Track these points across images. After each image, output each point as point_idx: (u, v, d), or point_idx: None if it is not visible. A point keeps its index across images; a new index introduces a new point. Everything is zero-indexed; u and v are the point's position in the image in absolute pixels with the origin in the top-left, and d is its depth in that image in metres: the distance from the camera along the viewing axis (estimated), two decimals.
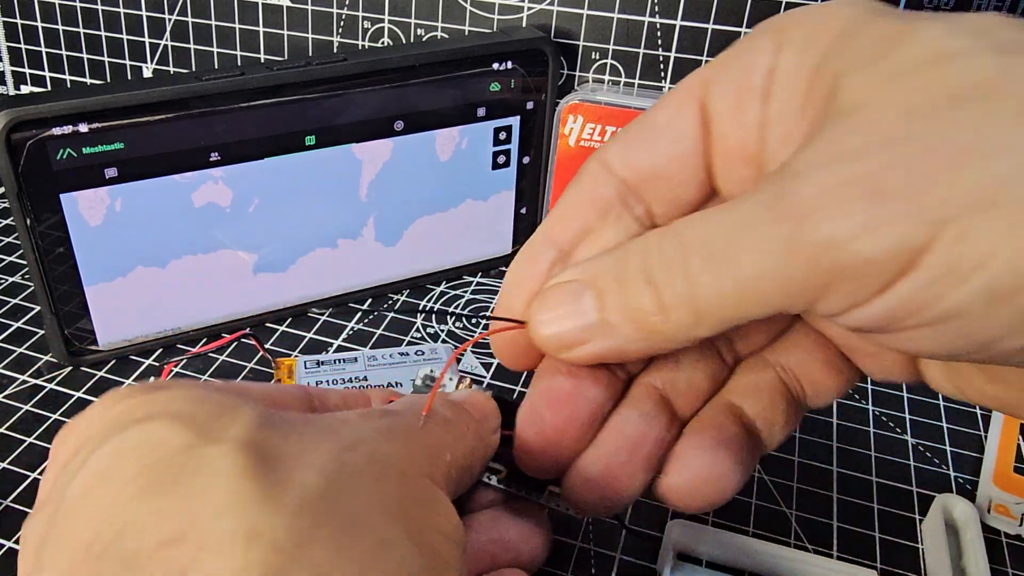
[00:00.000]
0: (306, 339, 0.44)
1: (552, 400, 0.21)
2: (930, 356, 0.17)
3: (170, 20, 0.56)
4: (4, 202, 0.54)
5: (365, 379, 0.39)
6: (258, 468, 0.15)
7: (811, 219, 0.15)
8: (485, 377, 0.42)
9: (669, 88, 0.49)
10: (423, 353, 0.41)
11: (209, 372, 0.41)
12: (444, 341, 0.44)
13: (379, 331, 0.45)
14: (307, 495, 0.15)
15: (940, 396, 0.42)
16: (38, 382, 0.41)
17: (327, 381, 0.39)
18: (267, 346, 0.43)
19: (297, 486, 0.15)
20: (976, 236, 0.14)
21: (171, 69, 0.57)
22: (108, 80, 0.59)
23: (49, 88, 0.61)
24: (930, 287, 0.14)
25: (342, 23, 0.52)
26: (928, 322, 0.15)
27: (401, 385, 0.39)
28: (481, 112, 0.45)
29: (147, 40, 0.57)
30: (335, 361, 0.40)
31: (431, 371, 0.30)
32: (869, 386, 0.42)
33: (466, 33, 0.51)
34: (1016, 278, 0.13)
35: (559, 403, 0.21)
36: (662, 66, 0.48)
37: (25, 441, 0.37)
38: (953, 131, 0.14)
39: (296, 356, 0.40)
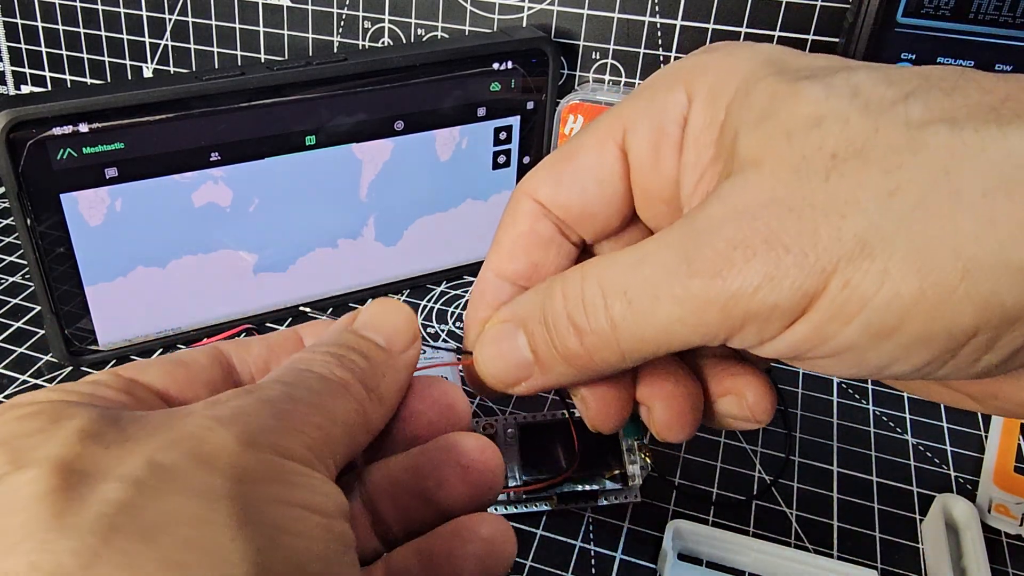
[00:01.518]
0: None
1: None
2: (836, 377, 0.18)
3: (170, 20, 0.56)
4: (4, 202, 0.54)
5: None
6: (59, 489, 0.14)
7: (722, 274, 0.17)
8: None
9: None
10: (423, 352, 0.41)
11: None
12: (444, 341, 0.44)
13: None
14: (104, 510, 0.14)
15: None
16: (38, 382, 0.41)
17: None
18: None
19: (96, 502, 0.14)
20: (857, 282, 0.16)
21: (171, 69, 0.57)
22: (108, 80, 0.59)
23: (49, 88, 0.61)
24: (824, 326, 0.16)
25: (342, 23, 0.52)
26: (827, 354, 0.17)
27: None
28: (481, 112, 0.45)
29: (147, 40, 0.57)
30: None
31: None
32: (869, 386, 0.42)
33: (466, 33, 0.51)
34: (891, 316, 0.16)
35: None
36: (662, 66, 0.48)
37: None
38: (833, 190, 0.16)
39: None
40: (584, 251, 0.25)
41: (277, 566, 0.15)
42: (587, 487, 0.33)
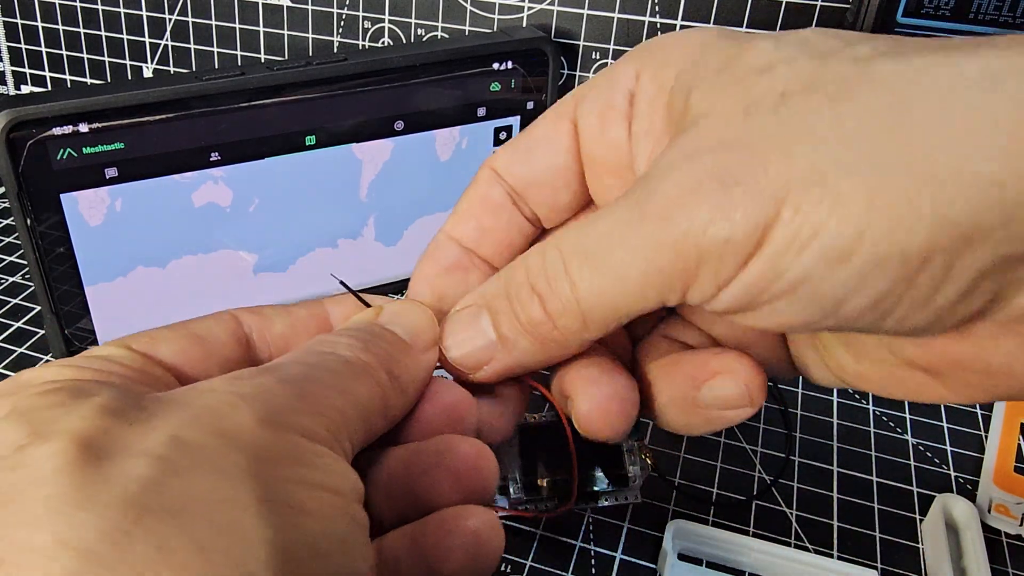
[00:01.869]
0: None
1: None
2: (791, 329, 0.19)
3: (170, 20, 0.56)
4: (4, 202, 0.54)
5: None
6: (83, 464, 0.14)
7: (673, 214, 0.17)
8: None
9: None
10: None
11: None
12: None
13: None
14: (130, 487, 0.14)
15: None
16: None
17: None
18: None
19: (121, 478, 0.14)
20: (809, 209, 0.15)
21: (171, 69, 0.57)
22: (108, 80, 0.59)
23: (49, 88, 0.61)
24: (779, 258, 0.16)
25: (342, 23, 0.52)
26: (782, 292, 0.17)
27: None
28: (481, 112, 0.45)
29: (147, 40, 0.57)
30: None
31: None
32: None
33: (466, 33, 0.51)
34: (845, 241, 0.15)
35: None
36: None
37: None
38: (783, 123, 0.16)
39: None
40: (541, 235, 0.25)
41: (295, 547, 0.15)
42: (588, 488, 0.33)
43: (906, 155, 0.15)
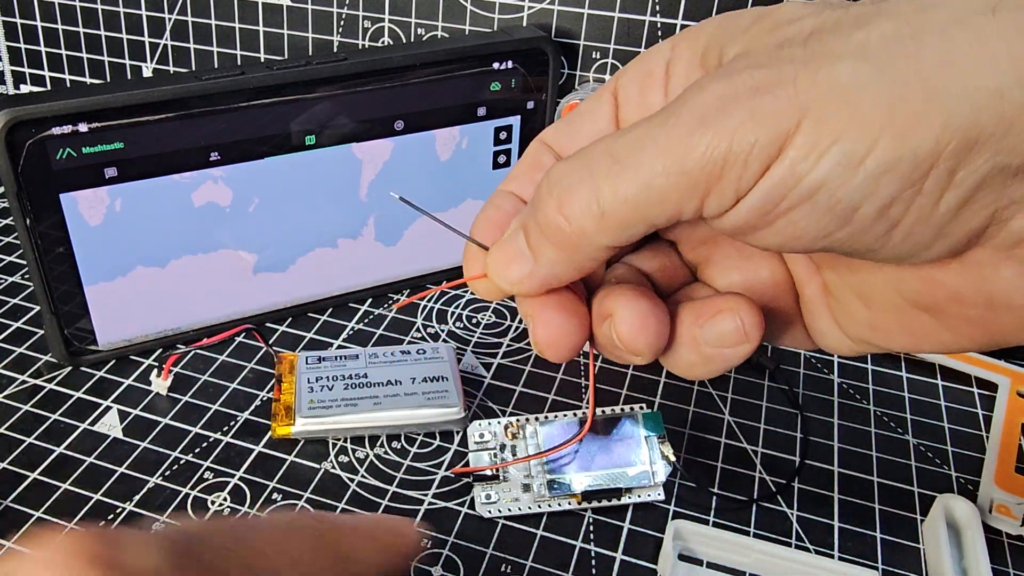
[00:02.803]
0: (306, 339, 0.44)
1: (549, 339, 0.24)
2: (804, 245, 0.19)
3: (170, 20, 0.56)
4: (4, 202, 0.54)
5: (365, 375, 0.39)
6: None
7: (705, 120, 0.18)
8: (485, 377, 0.42)
9: None
10: (424, 352, 0.40)
11: (209, 371, 0.41)
12: (445, 341, 0.44)
13: (379, 331, 0.45)
14: None
15: (941, 395, 0.42)
16: (38, 382, 0.41)
17: (328, 377, 0.39)
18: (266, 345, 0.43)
19: None
20: (831, 119, 0.17)
21: (171, 69, 0.57)
22: (108, 80, 0.59)
23: (49, 88, 0.61)
24: (799, 164, 0.17)
25: (342, 23, 0.52)
26: (799, 199, 0.18)
27: (401, 384, 0.39)
28: (481, 112, 0.45)
29: (147, 40, 0.57)
30: (336, 358, 0.40)
31: (480, 434, 0.34)
32: (870, 386, 0.42)
33: (466, 32, 0.50)
34: (861, 146, 0.17)
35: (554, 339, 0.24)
36: None
37: (25, 441, 0.37)
38: (810, 50, 0.18)
39: (298, 352, 0.40)
40: None
41: None
42: (612, 485, 0.33)
43: (917, 73, 0.17)
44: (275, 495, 0.35)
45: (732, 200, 0.18)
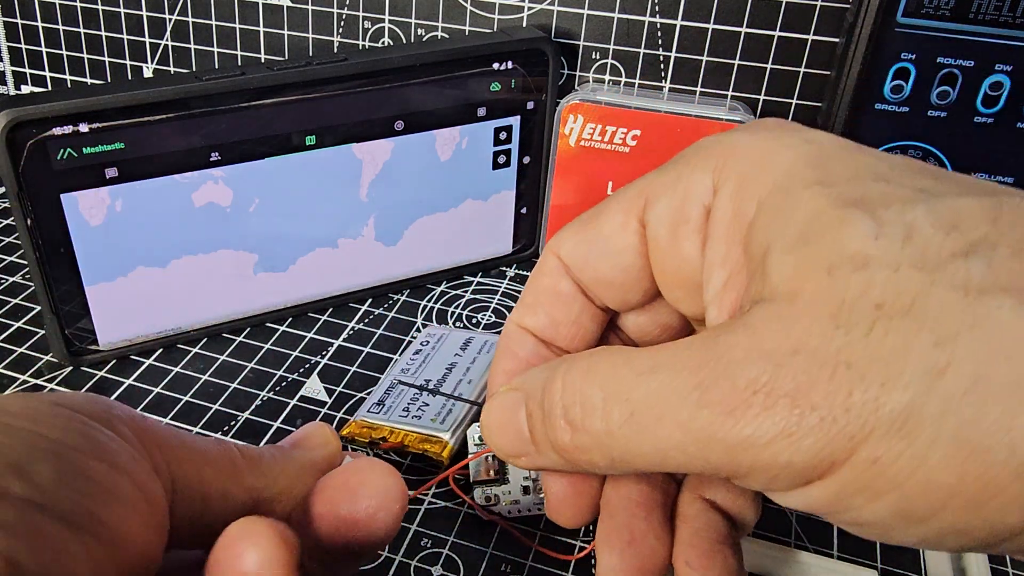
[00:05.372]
0: (306, 339, 0.44)
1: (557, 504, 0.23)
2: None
3: (170, 20, 0.56)
4: (4, 202, 0.54)
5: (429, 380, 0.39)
6: None
7: (735, 414, 0.16)
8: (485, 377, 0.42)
9: (668, 90, 0.49)
10: (432, 336, 0.41)
11: (210, 371, 0.41)
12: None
13: (379, 331, 0.45)
14: None
15: None
16: (38, 382, 0.41)
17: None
18: (266, 345, 0.43)
19: None
20: (889, 461, 0.14)
21: (171, 69, 0.57)
22: (108, 80, 0.59)
23: (49, 88, 0.61)
24: (847, 497, 0.15)
25: (342, 23, 0.52)
26: (849, 522, 0.16)
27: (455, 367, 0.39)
28: (481, 112, 0.45)
29: (147, 40, 0.57)
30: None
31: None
32: None
33: (466, 33, 0.51)
34: (925, 506, 0.14)
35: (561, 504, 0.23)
36: (662, 66, 0.48)
37: None
38: (872, 349, 0.14)
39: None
40: (613, 319, 0.25)
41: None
42: None
43: (1011, 432, 0.13)
44: None
45: (761, 488, 0.17)
